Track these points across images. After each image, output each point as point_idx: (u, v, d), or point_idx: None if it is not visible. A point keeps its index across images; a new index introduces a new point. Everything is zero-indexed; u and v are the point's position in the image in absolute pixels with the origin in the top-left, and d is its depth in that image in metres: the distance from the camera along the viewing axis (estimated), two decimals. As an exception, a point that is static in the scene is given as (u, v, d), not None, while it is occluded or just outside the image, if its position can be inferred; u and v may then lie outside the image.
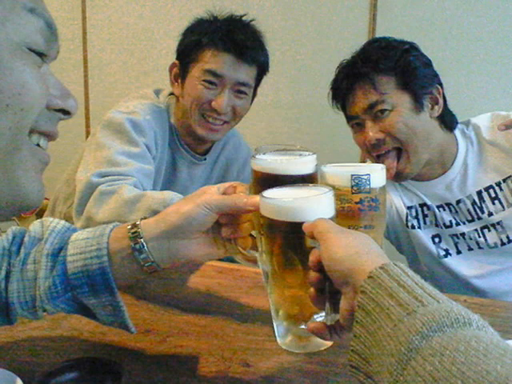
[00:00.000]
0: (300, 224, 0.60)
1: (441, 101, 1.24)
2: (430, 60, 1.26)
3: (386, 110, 1.19)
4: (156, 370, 0.74)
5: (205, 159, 1.48)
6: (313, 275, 0.57)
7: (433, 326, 0.41)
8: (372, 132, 1.21)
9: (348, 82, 1.24)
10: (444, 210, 1.31)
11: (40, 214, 1.76)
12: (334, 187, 0.68)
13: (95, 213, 1.07)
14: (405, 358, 0.40)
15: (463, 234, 1.30)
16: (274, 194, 0.65)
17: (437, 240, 1.33)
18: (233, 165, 1.56)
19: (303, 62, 2.32)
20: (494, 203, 1.26)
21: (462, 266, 1.31)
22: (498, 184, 1.26)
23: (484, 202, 1.27)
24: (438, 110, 1.24)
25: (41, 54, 0.54)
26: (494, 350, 0.37)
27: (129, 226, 0.70)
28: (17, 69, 0.50)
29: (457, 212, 1.30)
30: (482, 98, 2.07)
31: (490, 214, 1.27)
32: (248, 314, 0.92)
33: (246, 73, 1.32)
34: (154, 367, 0.75)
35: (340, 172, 0.76)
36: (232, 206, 0.69)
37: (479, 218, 1.28)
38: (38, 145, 0.57)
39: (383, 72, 1.20)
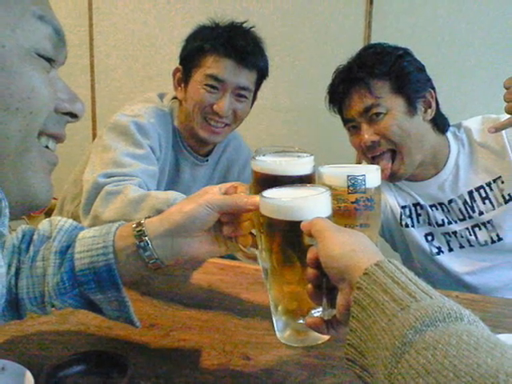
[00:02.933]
0: (298, 223, 0.60)
1: (433, 104, 1.24)
2: (423, 65, 1.26)
3: (380, 113, 1.19)
4: (160, 363, 0.74)
5: (207, 160, 1.48)
6: (310, 272, 0.57)
7: (426, 321, 0.41)
8: (367, 134, 1.21)
9: (344, 87, 1.24)
10: (436, 209, 1.31)
11: (48, 213, 1.76)
12: (330, 187, 0.68)
13: (101, 212, 1.07)
14: (399, 351, 0.40)
15: (455, 233, 1.30)
16: (273, 193, 0.65)
17: (429, 238, 1.33)
18: (234, 166, 1.56)
19: (301, 67, 2.32)
20: (484, 203, 1.26)
21: (454, 263, 1.31)
22: (489, 184, 1.26)
23: (475, 201, 1.27)
24: (430, 113, 1.24)
25: (49, 60, 0.54)
26: (484, 343, 0.37)
27: (134, 225, 0.70)
28: (26, 74, 0.50)
29: (449, 211, 1.30)
30: (473, 101, 2.07)
31: (481, 213, 1.27)
32: (248, 309, 0.92)
33: (246, 77, 1.32)
34: (158, 360, 0.75)
35: (337, 173, 0.76)
36: (233, 205, 0.69)
37: (470, 217, 1.28)
38: (47, 147, 0.57)
39: (378, 77, 1.20)
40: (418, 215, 1.33)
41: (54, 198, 1.48)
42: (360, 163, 1.45)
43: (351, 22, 2.22)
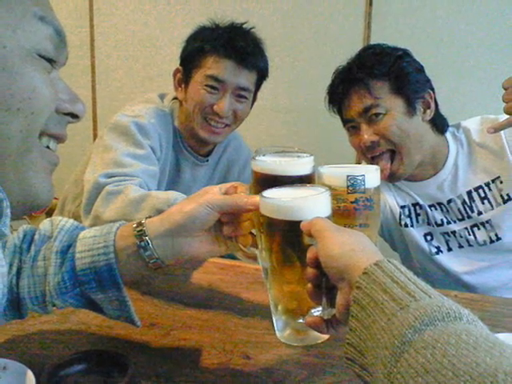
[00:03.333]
0: (298, 223, 0.60)
1: (432, 105, 1.24)
2: (422, 66, 1.26)
3: (380, 113, 1.19)
4: (160, 362, 0.74)
5: (207, 161, 1.48)
6: (310, 271, 0.57)
7: (425, 320, 0.40)
8: (367, 135, 1.21)
9: (344, 87, 1.24)
10: (436, 209, 1.31)
11: (50, 213, 1.76)
12: (330, 187, 0.68)
13: (102, 212, 1.07)
14: (398, 350, 0.40)
15: (454, 232, 1.30)
16: (273, 193, 0.65)
17: (429, 238, 1.33)
18: (234, 166, 1.56)
19: (301, 67, 2.32)
20: (483, 203, 1.26)
21: (453, 262, 1.31)
22: (487, 184, 1.26)
23: (474, 201, 1.27)
24: (429, 113, 1.24)
25: (50, 60, 0.54)
26: (483, 342, 0.37)
27: (134, 225, 0.70)
28: (27, 74, 0.50)
29: (448, 211, 1.30)
30: (471, 102, 2.07)
31: (480, 213, 1.27)
32: (248, 309, 0.92)
33: (246, 78, 1.32)
34: (158, 359, 0.75)
35: (336, 173, 0.76)
36: (233, 205, 0.69)
37: (469, 217, 1.28)
38: (48, 147, 0.57)
39: (377, 77, 1.19)
40: (417, 215, 1.33)
41: (55, 198, 1.48)
42: (359, 163, 1.45)
43: (351, 23, 2.22)
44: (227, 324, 0.86)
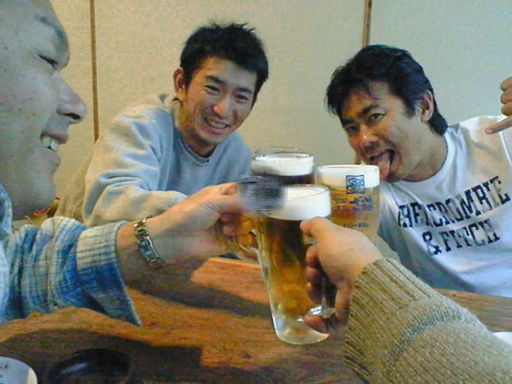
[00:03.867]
0: (298, 222, 0.60)
1: (431, 105, 1.24)
2: (421, 67, 1.26)
3: (379, 114, 1.19)
4: (161, 361, 0.74)
5: (207, 161, 1.48)
6: (310, 271, 0.57)
7: (424, 319, 0.40)
8: (366, 135, 1.21)
9: (343, 88, 1.24)
10: (434, 209, 1.31)
11: (51, 213, 1.76)
12: (330, 187, 0.68)
13: (103, 212, 1.07)
14: (397, 349, 0.40)
15: (452, 232, 1.30)
16: (273, 193, 0.65)
17: (427, 237, 1.33)
18: (234, 166, 1.56)
19: (301, 68, 2.32)
20: (481, 203, 1.26)
21: (452, 262, 1.31)
22: (486, 184, 1.26)
23: (472, 201, 1.27)
24: (428, 114, 1.24)
25: (52, 61, 0.54)
26: (481, 341, 0.37)
27: (135, 225, 0.70)
28: (29, 75, 0.50)
29: (446, 211, 1.30)
30: (470, 102, 2.08)
31: (478, 213, 1.27)
32: (248, 308, 0.92)
33: (246, 79, 1.32)
34: (159, 358, 0.75)
35: (336, 173, 0.76)
36: (233, 205, 0.69)
37: (468, 217, 1.28)
38: (50, 147, 0.57)
39: (377, 78, 1.19)
40: (416, 215, 1.33)
41: (57, 198, 1.48)
42: (359, 164, 1.45)
43: (350, 24, 2.22)
44: (227, 323, 0.86)
